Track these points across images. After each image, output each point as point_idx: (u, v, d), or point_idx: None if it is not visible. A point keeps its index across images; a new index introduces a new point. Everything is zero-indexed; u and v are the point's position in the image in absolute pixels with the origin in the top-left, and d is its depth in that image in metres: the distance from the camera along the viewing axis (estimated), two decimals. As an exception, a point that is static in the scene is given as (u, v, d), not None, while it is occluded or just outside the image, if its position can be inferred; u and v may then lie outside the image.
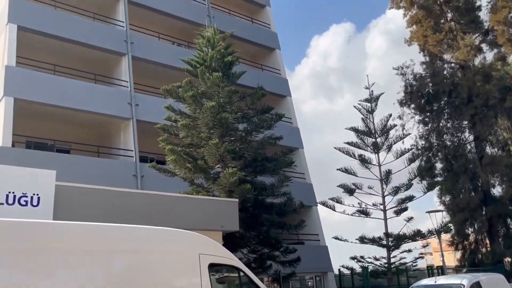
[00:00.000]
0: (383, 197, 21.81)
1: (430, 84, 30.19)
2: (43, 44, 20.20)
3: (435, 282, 11.70)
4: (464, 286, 10.99)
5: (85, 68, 21.37)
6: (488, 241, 28.89)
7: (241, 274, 6.68)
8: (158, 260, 5.89)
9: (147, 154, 21.30)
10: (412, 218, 20.10)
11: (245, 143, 14.42)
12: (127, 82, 21.49)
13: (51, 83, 19.20)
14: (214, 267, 6.43)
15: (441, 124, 30.71)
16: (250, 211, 14.89)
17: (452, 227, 21.35)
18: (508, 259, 27.95)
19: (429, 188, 22.42)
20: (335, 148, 22.20)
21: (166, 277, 5.87)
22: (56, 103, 18.87)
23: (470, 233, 29.43)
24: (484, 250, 29.38)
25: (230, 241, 14.71)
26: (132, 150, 20.31)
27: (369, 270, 19.26)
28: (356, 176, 22.11)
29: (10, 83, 17.85)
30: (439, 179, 25.74)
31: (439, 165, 29.89)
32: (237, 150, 13.80)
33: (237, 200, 13.50)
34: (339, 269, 16.92)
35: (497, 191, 29.28)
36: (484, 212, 28.11)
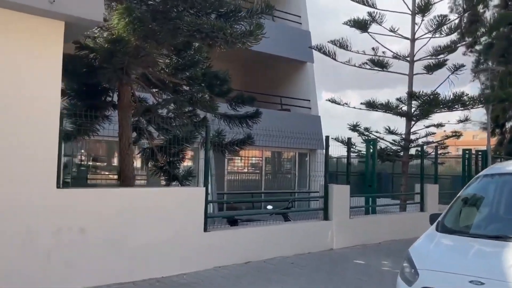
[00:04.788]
0: (413, 40, 13.92)
1: None
2: None
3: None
4: None
5: None
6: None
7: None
8: None
9: None
10: (463, 65, 12.39)
11: None
12: None
13: None
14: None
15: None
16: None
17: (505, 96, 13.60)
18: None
19: (483, 33, 14.29)
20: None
21: None
22: None
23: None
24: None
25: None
26: None
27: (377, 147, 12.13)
28: (376, 8, 14.04)
29: None
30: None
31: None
32: None
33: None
34: (326, 143, 9.65)
35: None
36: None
